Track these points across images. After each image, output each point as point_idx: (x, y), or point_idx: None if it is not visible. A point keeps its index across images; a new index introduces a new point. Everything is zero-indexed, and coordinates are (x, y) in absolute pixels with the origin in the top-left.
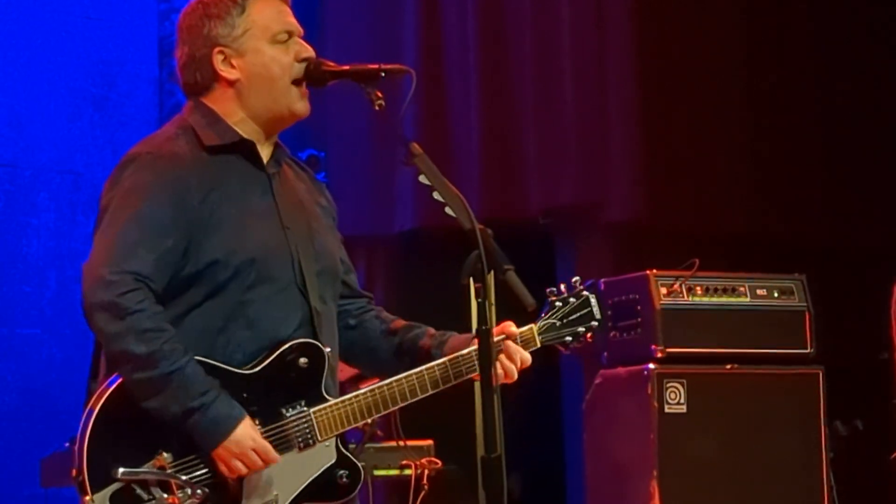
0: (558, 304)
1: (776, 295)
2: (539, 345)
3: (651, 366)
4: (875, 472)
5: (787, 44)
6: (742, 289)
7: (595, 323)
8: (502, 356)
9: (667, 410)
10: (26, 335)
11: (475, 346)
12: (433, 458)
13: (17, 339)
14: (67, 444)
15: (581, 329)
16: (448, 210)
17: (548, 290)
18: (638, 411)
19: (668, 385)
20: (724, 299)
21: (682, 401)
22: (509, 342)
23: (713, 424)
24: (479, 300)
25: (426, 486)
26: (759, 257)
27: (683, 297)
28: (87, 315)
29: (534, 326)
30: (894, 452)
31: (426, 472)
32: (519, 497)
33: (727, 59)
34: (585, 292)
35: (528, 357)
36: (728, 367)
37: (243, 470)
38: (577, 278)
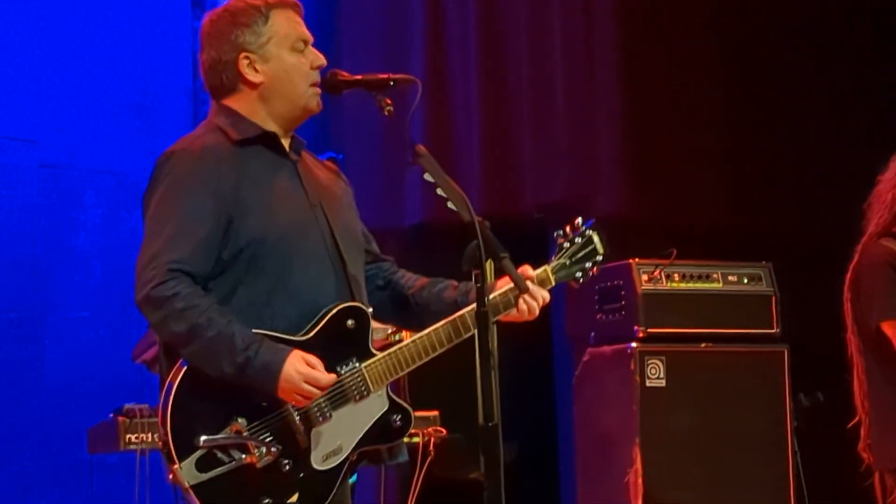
0: (566, 245)
1: (745, 281)
2: (553, 283)
3: (633, 344)
4: (835, 439)
5: (758, 53)
6: (715, 275)
7: (600, 258)
8: (525, 296)
9: (648, 385)
10: (76, 318)
11: (499, 291)
12: (439, 427)
13: (68, 322)
14: (111, 415)
15: (588, 265)
16: (450, 204)
17: (555, 233)
18: (622, 385)
19: (649, 362)
20: (699, 285)
21: (661, 376)
22: (533, 278)
23: (690, 397)
24: (478, 285)
25: (432, 453)
26: (731, 247)
27: (662, 283)
28: (140, 308)
29: (547, 267)
30: (851, 421)
31: (432, 440)
32: (516, 461)
33: (703, 68)
34: (589, 231)
35: (546, 295)
36: (703, 345)
37: (303, 402)
38: (579, 219)
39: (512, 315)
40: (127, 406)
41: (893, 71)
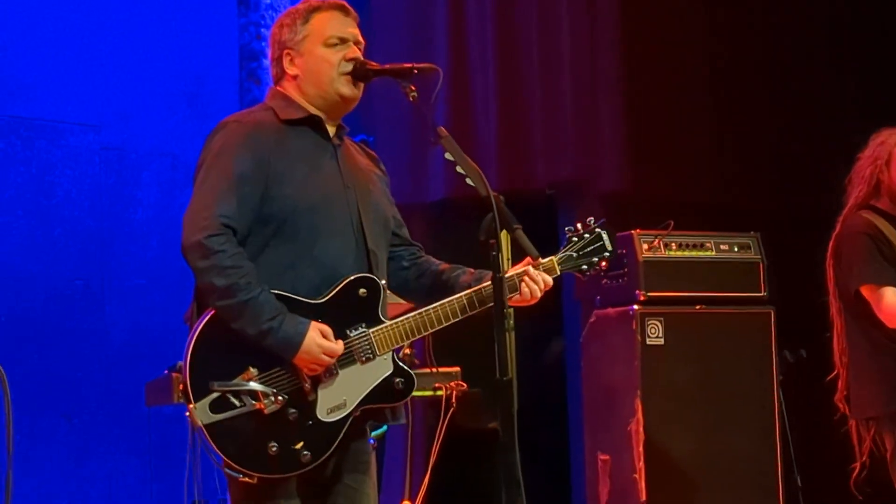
0: (574, 239)
1: (736, 250)
2: (559, 272)
3: (635, 307)
4: (816, 391)
5: (744, 41)
6: (708, 245)
7: (608, 253)
8: (526, 278)
9: (648, 343)
10: (134, 285)
11: (506, 275)
12: (460, 382)
13: (128, 289)
14: (166, 371)
15: (595, 259)
16: (468, 181)
17: (567, 228)
18: (625, 343)
19: (649, 322)
20: (694, 253)
21: (660, 335)
22: (531, 270)
23: (686, 354)
24: (494, 253)
25: (454, 405)
26: (722, 219)
27: (661, 251)
28: (183, 252)
29: (553, 258)
30: (830, 375)
31: (454, 393)
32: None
33: (695, 58)
34: (598, 229)
35: (549, 280)
36: (697, 307)
37: (320, 370)
38: (591, 218)
39: (515, 299)
40: (180, 363)
41: (870, 55)
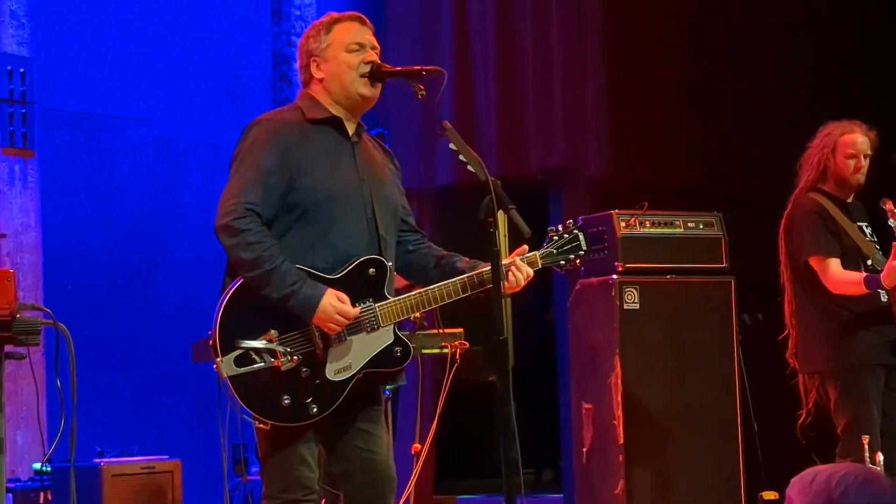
0: (555, 238)
1: (701, 227)
2: (540, 266)
3: (614, 276)
4: (770, 349)
5: (711, 43)
6: (677, 223)
7: (583, 252)
8: (513, 268)
9: (625, 308)
10: (182, 258)
11: (489, 267)
12: (463, 341)
13: (176, 261)
14: (210, 332)
15: (572, 256)
16: (469, 168)
17: (549, 228)
18: (605, 308)
19: (626, 290)
20: (665, 230)
21: (636, 301)
22: (517, 261)
23: (658, 317)
24: (491, 230)
25: (458, 361)
26: (690, 200)
27: (637, 228)
28: (215, 233)
29: (536, 253)
30: (781, 335)
31: (458, 351)
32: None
33: (669, 60)
34: (576, 230)
35: (531, 272)
36: (668, 276)
37: (335, 328)
38: (570, 221)
39: (503, 285)
40: None
41: (822, 53)
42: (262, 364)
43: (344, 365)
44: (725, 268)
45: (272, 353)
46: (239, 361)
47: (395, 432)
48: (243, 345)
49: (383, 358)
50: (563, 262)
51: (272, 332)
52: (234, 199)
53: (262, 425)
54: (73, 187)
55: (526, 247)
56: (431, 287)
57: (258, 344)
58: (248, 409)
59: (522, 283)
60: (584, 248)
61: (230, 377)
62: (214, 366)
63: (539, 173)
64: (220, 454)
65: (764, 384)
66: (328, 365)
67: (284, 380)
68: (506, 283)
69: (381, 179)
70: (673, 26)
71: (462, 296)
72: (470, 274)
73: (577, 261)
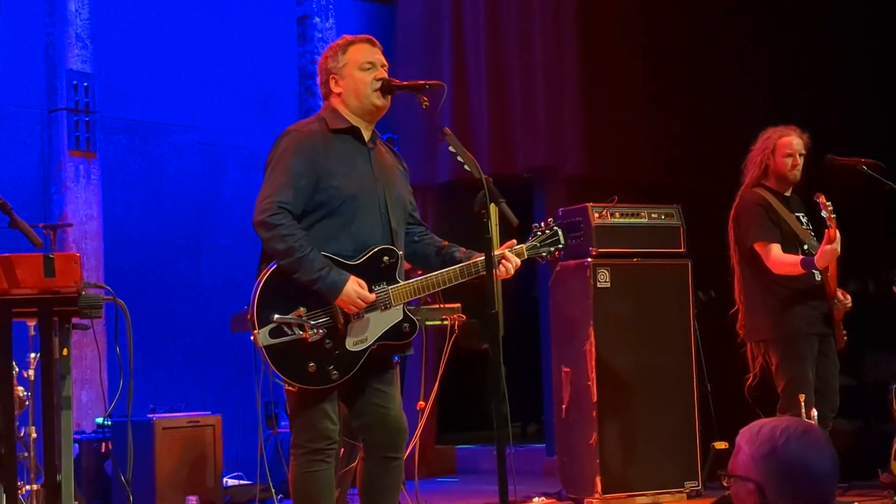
0: (538, 233)
1: (663, 217)
2: (525, 256)
3: (589, 259)
4: (721, 322)
5: (671, 58)
6: (643, 214)
7: (561, 246)
8: (504, 260)
9: (598, 286)
10: (222, 244)
11: (483, 257)
12: (461, 314)
13: (217, 246)
14: (246, 307)
15: (552, 249)
16: (466, 167)
17: (533, 224)
18: (581, 286)
19: (599, 271)
20: (632, 220)
21: (607, 280)
22: (508, 252)
23: (626, 294)
24: (485, 220)
25: (456, 331)
26: (654, 194)
27: (608, 219)
28: (254, 228)
29: (523, 245)
30: (731, 310)
31: (456, 322)
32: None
33: (635, 70)
34: (555, 227)
35: (518, 262)
36: (635, 259)
37: (355, 310)
38: (551, 219)
39: (496, 273)
40: None
41: (764, 65)
42: (292, 336)
43: (361, 338)
44: (683, 252)
45: (301, 326)
46: (273, 333)
47: (403, 392)
48: (276, 319)
49: (394, 332)
50: (544, 254)
51: (301, 309)
52: (270, 199)
53: (290, 388)
54: (129, 184)
55: (514, 241)
56: (435, 273)
57: (289, 318)
58: (279, 374)
59: (512, 272)
60: (562, 242)
61: (265, 346)
62: (251, 336)
63: (524, 172)
64: (254, 410)
65: (716, 351)
66: (348, 338)
67: (310, 349)
68: (499, 271)
69: (392, 180)
70: (637, 46)
71: (460, 281)
72: (466, 263)
73: (556, 252)
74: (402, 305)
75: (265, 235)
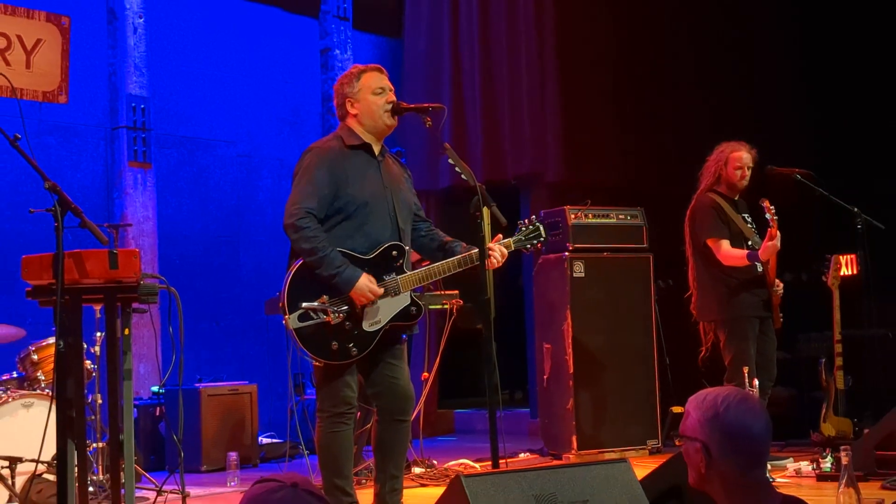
0: (523, 228)
1: (629, 218)
2: (513, 248)
3: (566, 253)
4: (678, 305)
5: (639, 76)
6: (612, 215)
7: (542, 239)
8: (495, 252)
9: (574, 276)
10: (258, 240)
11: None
12: (458, 300)
13: (253, 242)
14: (277, 293)
15: (535, 241)
16: (463, 176)
17: (519, 221)
18: (560, 276)
19: (575, 263)
20: (603, 220)
21: (582, 271)
22: (498, 245)
23: (598, 283)
24: (479, 221)
25: (455, 314)
26: (621, 197)
27: (583, 219)
28: (284, 229)
29: (510, 239)
30: (686, 294)
31: (455, 306)
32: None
33: (605, 93)
34: (537, 223)
35: (506, 253)
36: (605, 253)
37: (365, 301)
38: (534, 216)
39: (487, 264)
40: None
41: (720, 84)
42: (317, 320)
43: (375, 320)
44: (645, 247)
45: (324, 311)
46: (301, 318)
47: (410, 365)
48: (304, 306)
49: (403, 315)
50: (528, 247)
51: (324, 297)
52: (297, 205)
53: (317, 363)
54: (179, 190)
55: (500, 235)
56: (436, 264)
57: (314, 305)
58: (307, 352)
59: (502, 262)
60: (543, 236)
61: (295, 329)
62: (283, 321)
63: (512, 179)
64: (285, 380)
65: (673, 329)
66: (364, 320)
67: (333, 331)
68: (490, 262)
69: (399, 186)
70: (608, 74)
71: (457, 270)
72: (462, 255)
73: (539, 245)
74: (409, 292)
75: (294, 236)
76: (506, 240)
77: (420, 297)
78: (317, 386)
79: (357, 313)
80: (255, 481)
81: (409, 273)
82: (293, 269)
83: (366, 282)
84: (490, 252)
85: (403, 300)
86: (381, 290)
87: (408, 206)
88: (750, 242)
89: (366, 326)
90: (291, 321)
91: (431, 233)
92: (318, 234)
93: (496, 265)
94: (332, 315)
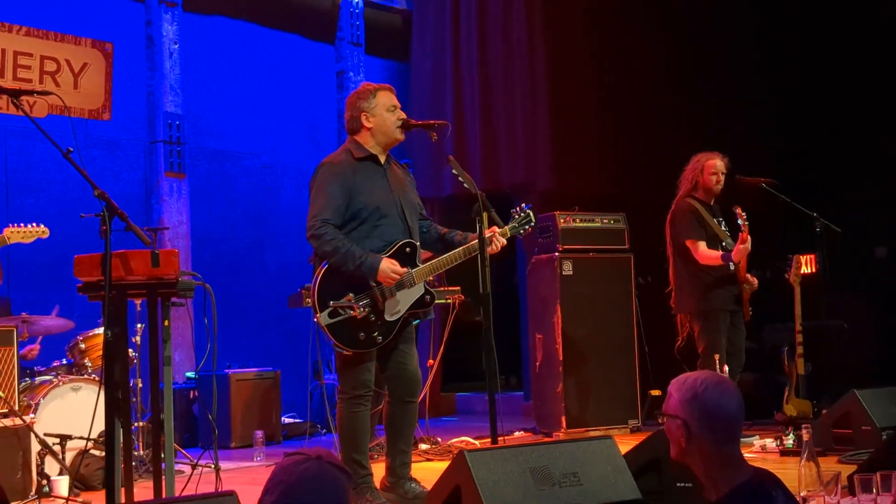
0: (516, 216)
1: (612, 222)
2: (509, 235)
3: (556, 254)
4: (657, 299)
5: (617, 97)
6: (597, 220)
7: (532, 223)
8: (494, 239)
9: (563, 274)
10: (280, 242)
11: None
12: (460, 295)
13: (277, 244)
14: (298, 289)
15: (527, 226)
16: (465, 185)
17: (511, 210)
18: (550, 274)
19: (564, 262)
20: (589, 224)
21: (570, 269)
22: (497, 234)
23: (584, 280)
24: (479, 225)
25: (457, 307)
26: (606, 203)
27: (571, 223)
28: (308, 239)
29: (506, 227)
30: (666, 289)
31: (457, 301)
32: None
33: (591, 112)
34: (528, 210)
35: (504, 241)
36: (590, 254)
37: (391, 282)
38: (524, 204)
39: (489, 250)
40: (307, 284)
41: (696, 97)
42: (345, 315)
43: (396, 310)
44: (627, 248)
45: (351, 308)
46: (331, 315)
47: (417, 352)
48: (332, 304)
49: (419, 302)
50: (521, 232)
51: (350, 295)
52: (316, 218)
53: (347, 352)
54: (210, 197)
55: (496, 227)
56: (444, 256)
57: (341, 303)
58: (339, 344)
59: (501, 247)
60: (533, 220)
61: (327, 325)
62: (315, 319)
63: (507, 188)
64: (305, 366)
65: (653, 321)
66: (386, 311)
67: (359, 323)
68: (492, 248)
69: (404, 190)
70: (593, 94)
71: (462, 259)
72: (466, 246)
73: (530, 229)
74: (423, 283)
75: (316, 243)
76: (503, 228)
77: (433, 286)
78: (338, 370)
79: (379, 306)
80: (284, 454)
81: (421, 266)
82: (319, 274)
83: (388, 264)
84: (493, 239)
85: (418, 290)
86: (404, 269)
87: (413, 207)
88: (724, 244)
89: (387, 316)
90: (323, 318)
91: (431, 228)
92: (337, 235)
93: (497, 250)
94: (357, 310)
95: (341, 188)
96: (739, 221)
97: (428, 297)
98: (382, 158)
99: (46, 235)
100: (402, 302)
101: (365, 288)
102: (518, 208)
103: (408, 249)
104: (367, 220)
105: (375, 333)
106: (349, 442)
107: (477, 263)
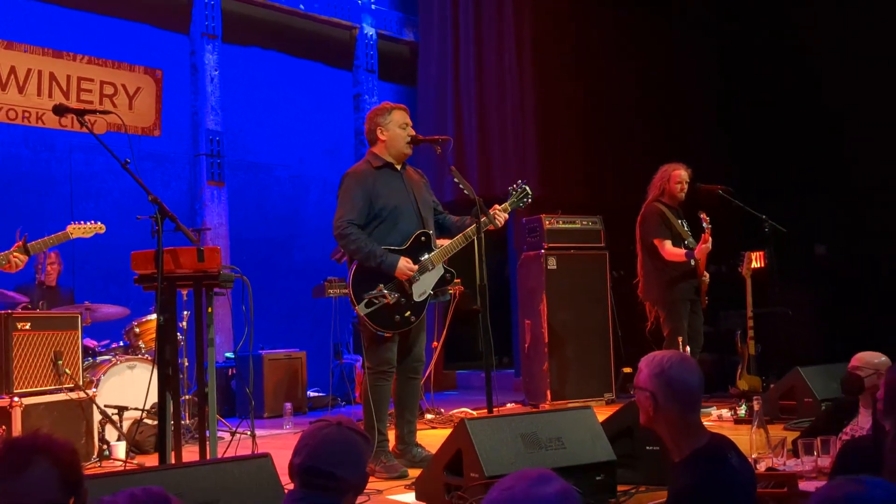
0: (514, 192)
1: (590, 224)
2: (510, 209)
3: (542, 251)
4: (628, 290)
5: (598, 110)
6: (577, 221)
7: (530, 197)
8: (497, 215)
9: (548, 268)
10: (306, 242)
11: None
12: (461, 287)
13: (304, 242)
14: (322, 281)
15: (525, 200)
16: (465, 191)
17: (509, 187)
18: (537, 268)
19: (549, 258)
20: (571, 225)
21: (554, 264)
22: (498, 210)
23: (567, 273)
24: (478, 224)
25: (457, 297)
26: (585, 206)
27: (556, 224)
28: (335, 238)
29: (506, 203)
30: (634, 280)
31: (457, 291)
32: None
33: (574, 124)
34: (524, 186)
35: (506, 216)
36: (572, 251)
37: (407, 277)
38: (520, 180)
39: (491, 227)
40: (329, 277)
41: (667, 113)
42: (380, 303)
43: (422, 290)
44: (603, 246)
45: (383, 296)
46: (367, 305)
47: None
48: (367, 296)
49: (442, 281)
50: (521, 205)
51: (381, 285)
52: (342, 219)
53: (387, 334)
54: (246, 203)
55: (497, 205)
56: (451, 241)
57: (374, 293)
58: (378, 329)
59: (503, 222)
60: (530, 194)
61: (365, 314)
62: (354, 310)
63: (500, 193)
64: (328, 348)
65: (625, 309)
66: (414, 294)
67: (393, 308)
68: (497, 222)
69: (419, 189)
70: (576, 108)
71: (467, 243)
72: (467, 231)
73: (528, 202)
74: (441, 264)
75: (342, 242)
76: (503, 204)
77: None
78: (365, 349)
79: (407, 290)
80: (310, 422)
81: (436, 250)
82: (352, 271)
83: (404, 262)
84: (495, 215)
85: (439, 271)
86: (417, 267)
87: (427, 203)
88: (686, 242)
89: (416, 297)
90: (361, 309)
91: (446, 219)
92: (361, 235)
93: (501, 225)
94: (390, 297)
95: (363, 193)
96: (704, 225)
97: (448, 274)
98: (398, 165)
99: (103, 231)
100: (427, 283)
101: (392, 277)
102: (515, 184)
103: (423, 238)
104: (387, 219)
105: (408, 314)
106: (372, 411)
107: (475, 259)
